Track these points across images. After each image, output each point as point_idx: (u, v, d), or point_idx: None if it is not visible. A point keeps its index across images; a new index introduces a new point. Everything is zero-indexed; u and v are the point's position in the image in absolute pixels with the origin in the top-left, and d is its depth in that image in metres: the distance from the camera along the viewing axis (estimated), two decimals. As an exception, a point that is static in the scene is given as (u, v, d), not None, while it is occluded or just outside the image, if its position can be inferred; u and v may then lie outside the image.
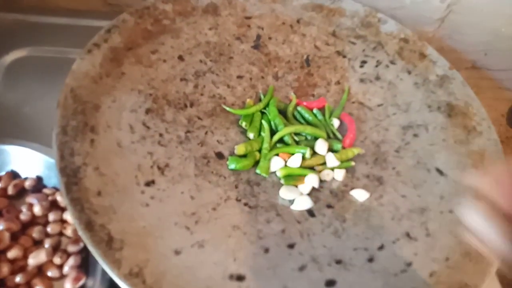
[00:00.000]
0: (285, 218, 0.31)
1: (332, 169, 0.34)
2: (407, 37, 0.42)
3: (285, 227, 0.30)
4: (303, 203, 0.31)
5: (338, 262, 0.28)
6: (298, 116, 0.37)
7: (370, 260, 0.29)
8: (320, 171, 0.34)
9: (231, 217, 0.30)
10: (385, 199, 0.33)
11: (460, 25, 0.47)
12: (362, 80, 0.40)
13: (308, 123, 0.36)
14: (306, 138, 0.35)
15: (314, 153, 0.34)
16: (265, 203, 0.31)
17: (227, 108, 0.36)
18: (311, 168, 0.34)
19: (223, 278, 0.26)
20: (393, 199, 0.33)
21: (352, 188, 0.33)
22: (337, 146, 0.35)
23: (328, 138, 0.35)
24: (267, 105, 0.36)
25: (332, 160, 0.34)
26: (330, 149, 0.35)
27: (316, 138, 0.35)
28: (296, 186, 0.33)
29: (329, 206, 0.32)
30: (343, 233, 0.30)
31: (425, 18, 0.46)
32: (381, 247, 0.29)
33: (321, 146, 0.34)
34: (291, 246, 0.29)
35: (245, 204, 0.31)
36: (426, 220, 0.31)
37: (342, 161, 0.34)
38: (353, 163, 0.34)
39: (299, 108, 0.37)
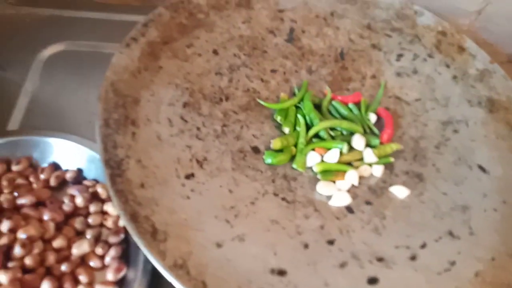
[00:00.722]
0: (324, 214, 0.30)
1: (370, 164, 0.33)
2: (444, 30, 0.41)
3: (323, 223, 0.30)
4: (341, 199, 0.31)
5: (380, 259, 0.28)
6: (333, 111, 0.36)
7: (413, 258, 0.28)
8: (357, 167, 0.33)
9: (269, 212, 0.30)
10: (426, 196, 0.32)
11: (497, 17, 0.45)
12: (398, 74, 0.39)
13: (344, 117, 0.36)
14: (342, 133, 0.35)
15: (351, 149, 0.34)
16: (303, 198, 0.31)
17: (262, 102, 0.35)
18: (348, 164, 0.33)
19: (264, 272, 0.26)
20: (433, 197, 0.32)
21: (391, 185, 0.32)
22: (375, 141, 0.34)
23: (364, 133, 0.35)
24: (301, 99, 0.36)
25: (370, 155, 0.33)
26: (368, 145, 0.34)
27: (352, 133, 0.34)
28: (334, 182, 0.32)
29: (368, 203, 0.31)
30: (383, 230, 0.30)
31: (460, 10, 0.45)
32: (423, 245, 0.29)
33: (358, 141, 0.34)
34: (330, 242, 0.29)
35: (283, 199, 0.31)
36: (469, 218, 0.30)
37: (380, 157, 0.33)
38: (392, 159, 0.34)
39: (334, 103, 0.36)
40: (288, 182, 0.32)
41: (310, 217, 0.30)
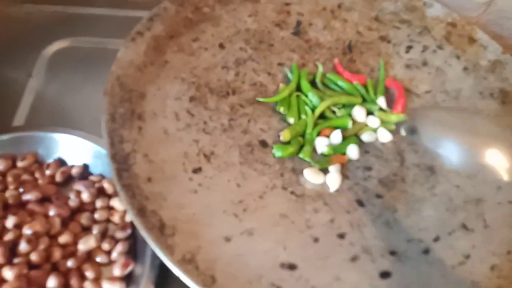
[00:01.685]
0: (333, 207, 0.30)
1: (375, 130, 0.34)
2: (454, 21, 0.40)
3: (333, 216, 0.29)
4: (334, 181, 0.31)
5: (392, 253, 0.27)
6: (330, 84, 0.36)
7: (426, 251, 0.27)
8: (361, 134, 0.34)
9: (278, 206, 0.29)
10: (438, 190, 0.31)
11: (507, 9, 0.44)
12: (408, 66, 0.38)
13: (342, 89, 0.35)
14: (344, 106, 0.35)
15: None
16: (312, 192, 0.31)
17: (261, 100, 0.35)
18: (355, 135, 0.33)
19: (274, 266, 0.26)
20: (446, 190, 0.31)
21: (402, 178, 0.32)
22: (374, 108, 0.34)
23: (363, 102, 0.35)
24: (298, 83, 0.35)
25: (374, 122, 0.34)
26: (370, 113, 0.34)
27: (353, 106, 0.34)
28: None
29: (378, 196, 0.31)
30: (395, 224, 0.29)
31: (469, 2, 0.44)
32: (436, 239, 0.28)
33: (359, 112, 0.34)
34: (341, 236, 0.28)
35: (292, 193, 0.30)
36: (482, 211, 0.30)
37: (384, 122, 0.34)
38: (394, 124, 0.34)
39: (328, 75, 0.36)
40: (297, 176, 0.31)
41: (320, 211, 0.29)
